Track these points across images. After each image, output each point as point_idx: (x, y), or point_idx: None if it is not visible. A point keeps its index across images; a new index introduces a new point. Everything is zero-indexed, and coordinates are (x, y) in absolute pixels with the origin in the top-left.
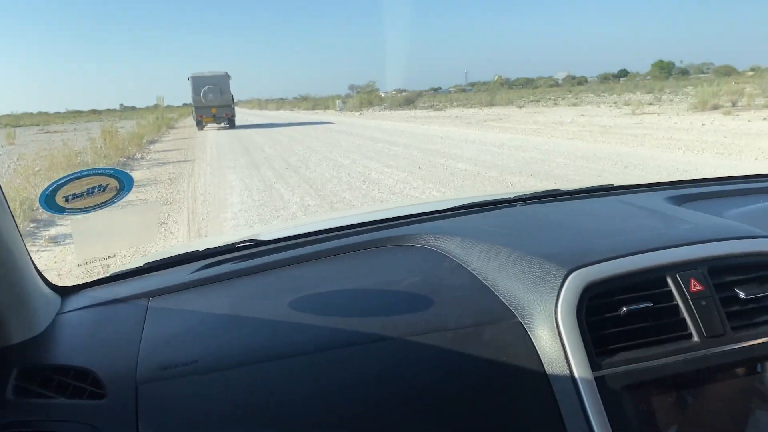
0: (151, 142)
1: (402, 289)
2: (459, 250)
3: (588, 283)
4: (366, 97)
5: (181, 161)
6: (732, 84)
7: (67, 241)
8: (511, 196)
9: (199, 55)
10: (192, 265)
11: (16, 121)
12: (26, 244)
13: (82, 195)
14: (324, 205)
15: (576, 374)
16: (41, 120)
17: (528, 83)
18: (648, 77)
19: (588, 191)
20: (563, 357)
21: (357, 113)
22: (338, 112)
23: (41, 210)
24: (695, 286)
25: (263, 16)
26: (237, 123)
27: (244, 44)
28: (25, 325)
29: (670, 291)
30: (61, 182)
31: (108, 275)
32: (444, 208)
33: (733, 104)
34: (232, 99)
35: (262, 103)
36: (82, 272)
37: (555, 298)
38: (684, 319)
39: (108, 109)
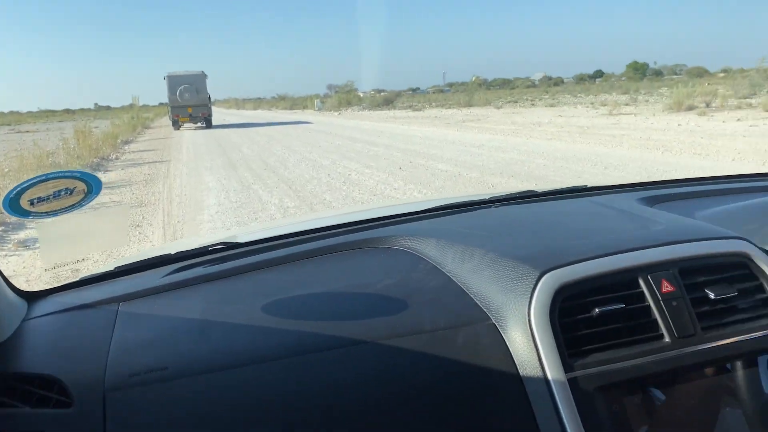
0: (126, 143)
1: (377, 291)
2: (434, 252)
3: (561, 285)
4: (345, 97)
5: (156, 162)
6: (705, 85)
7: (37, 245)
8: (486, 198)
9: (175, 55)
10: (164, 268)
11: None
12: None
13: (48, 198)
14: (303, 206)
15: (549, 376)
16: (12, 119)
17: (505, 84)
18: (623, 78)
19: (562, 192)
20: (536, 359)
21: (336, 113)
22: (317, 111)
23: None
24: (666, 287)
25: (239, 16)
26: (214, 123)
27: (220, 43)
28: None
29: (642, 292)
30: (25, 185)
31: (77, 280)
32: (420, 209)
33: (707, 105)
34: (209, 98)
35: (239, 103)
36: (51, 277)
37: (528, 299)
38: (656, 320)
39: (82, 109)
